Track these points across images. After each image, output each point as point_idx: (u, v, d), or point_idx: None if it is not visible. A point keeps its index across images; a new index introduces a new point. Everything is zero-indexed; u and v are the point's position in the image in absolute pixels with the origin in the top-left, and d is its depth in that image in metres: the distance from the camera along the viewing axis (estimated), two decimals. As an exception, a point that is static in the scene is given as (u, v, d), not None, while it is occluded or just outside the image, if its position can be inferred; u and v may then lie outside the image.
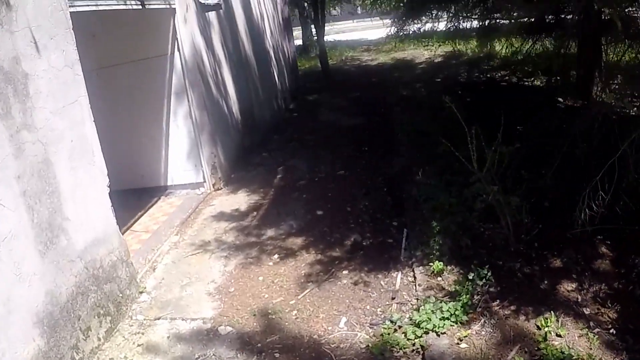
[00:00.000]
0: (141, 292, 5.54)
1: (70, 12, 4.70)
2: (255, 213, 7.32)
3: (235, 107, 9.64)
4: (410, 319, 4.37)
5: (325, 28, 18.43)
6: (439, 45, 16.29)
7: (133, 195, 8.60)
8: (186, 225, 7.21)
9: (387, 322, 4.41)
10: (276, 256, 5.99)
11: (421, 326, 4.15)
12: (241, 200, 7.88)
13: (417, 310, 4.45)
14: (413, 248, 5.56)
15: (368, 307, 4.83)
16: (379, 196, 7.32)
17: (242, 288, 5.43)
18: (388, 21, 12.93)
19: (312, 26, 21.67)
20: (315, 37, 20.88)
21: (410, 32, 11.83)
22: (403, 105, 12.00)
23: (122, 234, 7.20)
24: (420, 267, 5.18)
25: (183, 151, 8.30)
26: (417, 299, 4.69)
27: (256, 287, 5.43)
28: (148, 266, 6.15)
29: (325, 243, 6.15)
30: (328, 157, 9.27)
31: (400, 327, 4.33)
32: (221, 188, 8.38)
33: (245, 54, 10.93)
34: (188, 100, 7.94)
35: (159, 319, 5.08)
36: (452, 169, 6.61)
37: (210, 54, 8.62)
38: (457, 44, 14.31)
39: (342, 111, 12.73)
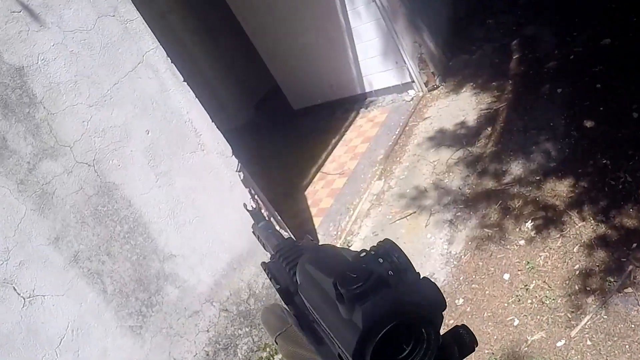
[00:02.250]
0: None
1: None
2: (489, 129, 5.26)
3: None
4: None
5: None
6: None
7: (325, 111, 7.13)
8: (393, 159, 5.52)
9: None
10: (529, 224, 4.02)
11: None
12: (466, 104, 5.83)
13: None
14: None
15: None
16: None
17: (477, 298, 3.72)
18: None
19: None
20: None
21: None
22: None
23: (311, 178, 5.82)
24: None
25: (375, 46, 6.42)
26: None
27: (499, 297, 3.65)
28: (339, 244, 4.59)
29: (610, 193, 3.94)
30: (580, 15, 6.24)
31: None
32: (437, 86, 6.35)
33: None
34: None
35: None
36: None
37: None
38: None
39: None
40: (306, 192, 5.73)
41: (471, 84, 6.10)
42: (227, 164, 3.79)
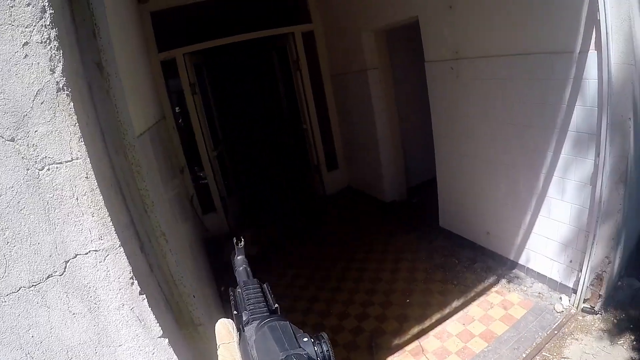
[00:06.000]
0: None
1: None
2: None
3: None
4: None
5: None
6: None
7: (466, 251, 5.48)
8: None
9: None
10: None
11: None
12: None
13: None
14: None
15: None
16: None
17: None
18: None
19: None
20: None
21: None
22: None
23: (405, 343, 4.29)
24: None
25: (560, 231, 4.41)
26: None
27: None
28: None
29: None
30: None
31: None
32: (595, 311, 4.19)
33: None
34: (597, 155, 3.76)
35: None
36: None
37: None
38: None
39: None
40: (389, 361, 3.97)
41: (632, 338, 3.97)
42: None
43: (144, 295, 1.68)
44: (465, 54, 4.65)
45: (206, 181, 6.90)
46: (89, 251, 1.58)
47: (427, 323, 4.42)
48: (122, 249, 1.61)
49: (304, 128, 7.74)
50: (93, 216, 1.54)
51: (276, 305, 0.97)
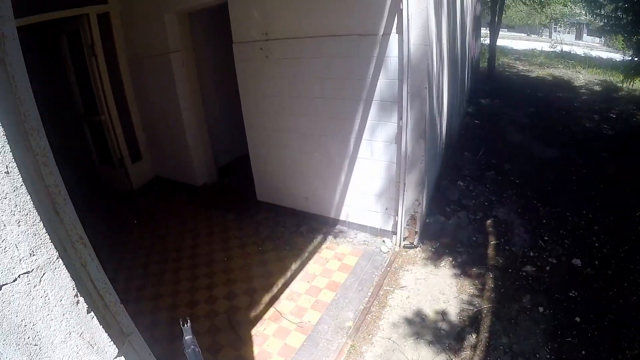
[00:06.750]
0: None
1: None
2: (473, 336, 3.89)
3: (444, 124, 6.03)
4: None
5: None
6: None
7: (290, 219, 5.61)
8: (364, 335, 4.10)
9: None
10: None
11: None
12: (446, 286, 4.45)
13: None
14: None
15: None
16: None
17: None
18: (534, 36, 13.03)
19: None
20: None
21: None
22: (601, 144, 8.17)
23: (262, 312, 4.19)
24: None
25: (373, 186, 4.98)
26: None
27: None
28: None
29: None
30: (547, 217, 5.57)
31: None
32: (414, 246, 4.85)
33: (456, 50, 7.03)
34: (400, 118, 4.37)
35: None
36: None
37: (438, 45, 4.75)
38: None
39: (529, 132, 9.06)
40: (253, 333, 3.90)
41: (450, 259, 4.82)
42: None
43: (92, 313, 1.31)
44: (275, 35, 4.80)
45: None
46: (18, 276, 1.13)
47: (275, 290, 4.47)
48: (60, 261, 1.20)
49: (102, 119, 6.83)
50: (19, 225, 1.09)
51: None
